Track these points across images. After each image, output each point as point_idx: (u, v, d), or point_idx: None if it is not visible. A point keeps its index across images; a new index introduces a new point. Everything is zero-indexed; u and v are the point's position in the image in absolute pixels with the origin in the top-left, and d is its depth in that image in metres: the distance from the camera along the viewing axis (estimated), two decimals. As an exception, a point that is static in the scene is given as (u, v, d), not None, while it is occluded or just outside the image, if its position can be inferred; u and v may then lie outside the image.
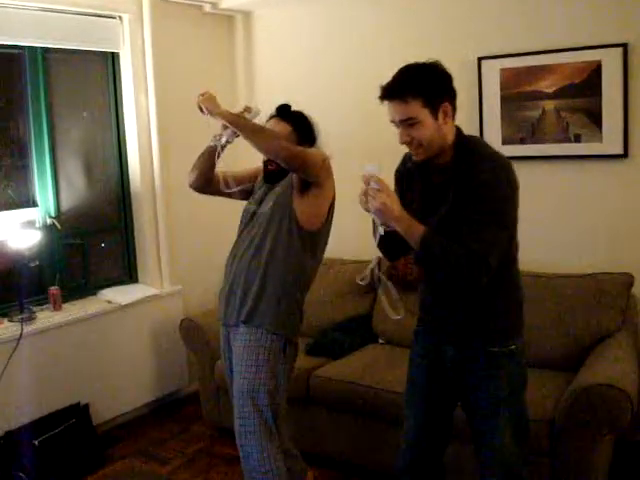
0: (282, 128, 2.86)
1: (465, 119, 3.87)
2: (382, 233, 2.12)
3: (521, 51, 3.71)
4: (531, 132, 3.75)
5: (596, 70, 3.50)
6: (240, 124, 2.74)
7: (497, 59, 3.78)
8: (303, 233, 2.80)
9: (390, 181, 2.26)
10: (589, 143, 3.60)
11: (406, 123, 2.11)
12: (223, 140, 2.85)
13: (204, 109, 2.76)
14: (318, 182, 2.78)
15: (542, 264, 3.66)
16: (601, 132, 3.55)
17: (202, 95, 2.80)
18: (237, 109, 2.87)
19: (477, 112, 3.87)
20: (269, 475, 2.75)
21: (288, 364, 2.89)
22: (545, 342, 3.39)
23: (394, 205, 2.07)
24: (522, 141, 3.78)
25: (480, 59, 3.82)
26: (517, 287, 2.33)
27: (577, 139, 3.62)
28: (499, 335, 2.25)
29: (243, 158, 3.34)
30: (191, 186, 3.03)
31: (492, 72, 3.80)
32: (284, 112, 2.92)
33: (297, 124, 2.90)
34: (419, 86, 2.09)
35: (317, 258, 2.91)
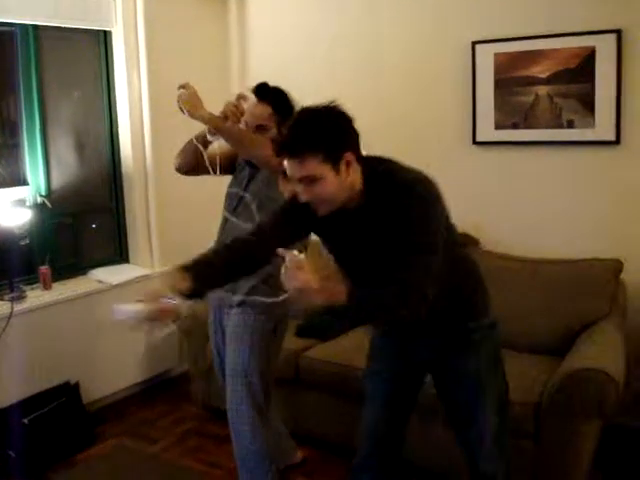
0: (262, 110, 2.79)
1: (458, 103, 3.93)
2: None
3: (515, 36, 3.70)
4: (524, 117, 3.75)
5: (590, 56, 3.50)
6: (223, 131, 2.70)
7: (491, 43, 3.77)
8: None
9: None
10: (582, 129, 3.60)
11: (306, 180, 1.96)
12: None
13: (184, 110, 2.65)
14: None
15: (531, 249, 3.68)
16: (594, 118, 3.55)
17: (182, 87, 2.68)
18: (232, 97, 2.84)
19: (470, 97, 3.87)
20: (259, 453, 2.80)
21: (278, 343, 2.92)
22: (533, 327, 3.42)
23: (313, 281, 1.86)
24: (515, 126, 3.78)
25: (474, 43, 3.81)
26: (468, 269, 2.30)
27: (570, 125, 3.63)
28: (468, 316, 2.26)
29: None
30: (178, 170, 3.00)
31: (486, 56, 3.79)
32: (263, 92, 2.82)
33: (277, 104, 2.81)
34: (316, 141, 1.92)
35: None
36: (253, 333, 2.80)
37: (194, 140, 2.86)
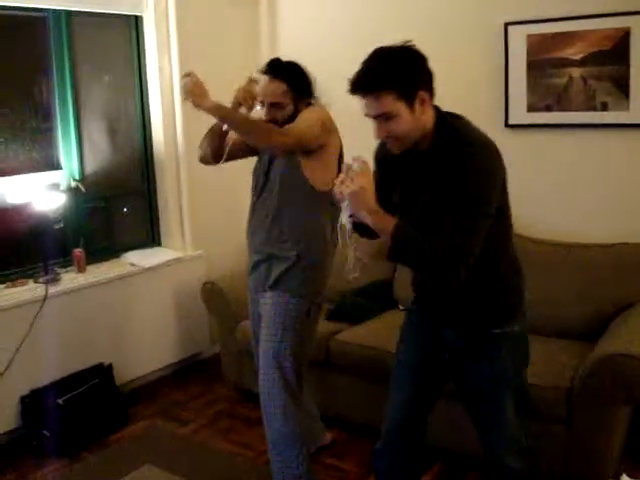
0: (276, 87, 2.75)
1: (491, 86, 3.89)
2: (349, 227, 2.02)
3: (549, 17, 3.64)
4: (557, 100, 3.70)
5: (624, 37, 3.43)
6: (231, 120, 2.67)
7: (524, 25, 3.72)
8: (317, 194, 2.80)
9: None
10: (616, 112, 3.54)
11: (381, 118, 1.99)
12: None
13: (190, 101, 2.64)
14: (324, 143, 2.76)
15: (564, 233, 3.65)
16: (628, 101, 3.49)
17: (187, 75, 2.65)
18: (243, 81, 2.83)
19: (503, 79, 3.83)
20: (291, 437, 2.81)
21: (312, 326, 2.93)
22: (565, 311, 3.40)
23: (371, 193, 1.96)
24: (548, 109, 3.74)
25: (507, 24, 3.76)
26: (514, 268, 2.24)
27: (604, 107, 3.57)
28: (501, 317, 2.19)
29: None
30: (201, 161, 3.01)
31: (519, 38, 3.74)
32: (277, 69, 2.77)
33: (292, 80, 2.77)
34: (391, 78, 1.94)
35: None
36: (286, 316, 2.81)
37: (212, 128, 2.87)
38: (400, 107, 1.96)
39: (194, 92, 2.62)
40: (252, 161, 3.03)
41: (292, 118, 2.77)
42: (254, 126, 2.69)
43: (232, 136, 2.89)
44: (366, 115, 2.03)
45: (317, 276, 2.86)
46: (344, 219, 2.02)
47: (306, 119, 2.73)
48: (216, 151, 2.92)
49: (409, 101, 1.97)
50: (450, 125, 2.06)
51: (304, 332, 2.86)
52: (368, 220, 1.98)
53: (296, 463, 2.82)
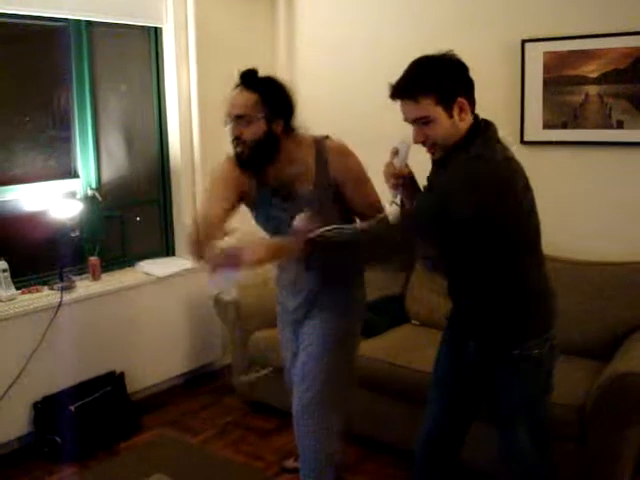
0: (245, 99, 2.41)
1: (507, 102, 3.89)
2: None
3: (566, 35, 3.65)
4: (573, 117, 3.70)
5: (641, 56, 3.45)
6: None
7: (541, 42, 3.73)
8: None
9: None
10: (632, 130, 3.54)
11: (420, 122, 2.03)
12: None
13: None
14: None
15: (578, 251, 3.64)
16: (644, 119, 3.50)
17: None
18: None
19: (519, 95, 3.83)
20: (324, 459, 2.64)
21: (353, 342, 2.79)
22: (577, 329, 3.37)
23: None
24: (564, 126, 3.74)
25: (524, 42, 3.77)
26: (537, 291, 2.20)
27: (619, 125, 3.57)
28: (519, 336, 2.15)
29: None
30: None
31: (535, 55, 3.75)
32: (249, 80, 2.46)
33: (265, 94, 2.42)
34: (430, 83, 1.99)
35: None
36: (337, 334, 2.65)
37: None
38: (438, 112, 2.01)
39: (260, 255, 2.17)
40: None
41: (267, 141, 2.44)
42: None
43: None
44: (405, 120, 2.07)
45: (357, 297, 2.78)
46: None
47: (367, 182, 2.57)
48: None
49: (447, 107, 2.01)
50: (473, 138, 2.06)
51: (347, 349, 2.74)
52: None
53: None
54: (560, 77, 3.70)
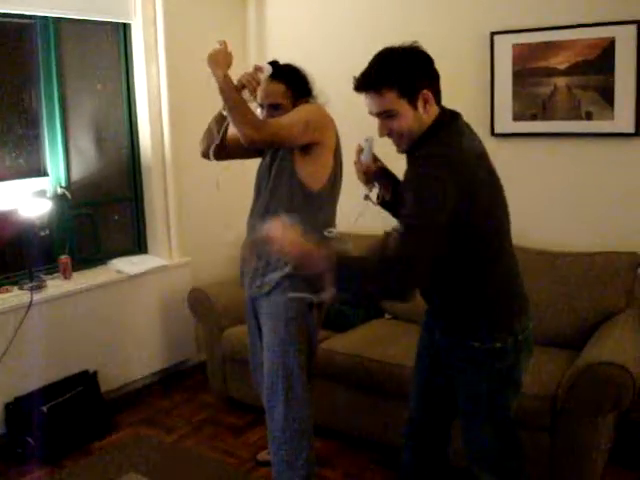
0: (275, 88, 2.81)
1: (477, 95, 3.90)
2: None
3: (534, 27, 3.67)
4: (542, 109, 3.72)
5: (609, 47, 3.46)
6: (224, 95, 2.68)
7: (510, 34, 3.74)
8: (308, 194, 2.79)
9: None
10: (600, 121, 3.57)
11: (384, 115, 2.01)
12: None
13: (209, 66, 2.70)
14: (312, 141, 2.76)
15: (549, 242, 3.67)
16: (613, 110, 3.51)
17: (220, 44, 2.73)
18: (249, 69, 2.82)
19: (489, 88, 3.85)
20: (293, 434, 2.82)
21: (315, 325, 2.94)
22: (550, 320, 3.41)
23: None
24: (533, 117, 3.76)
25: (493, 34, 3.79)
26: (506, 284, 2.18)
27: (588, 117, 3.60)
28: (482, 330, 2.12)
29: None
30: (203, 156, 3.00)
31: (504, 47, 3.76)
32: (275, 70, 2.84)
33: (290, 80, 2.84)
34: (394, 76, 1.96)
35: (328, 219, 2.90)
36: (287, 315, 2.80)
37: (214, 118, 2.89)
38: (402, 105, 1.99)
39: (217, 59, 2.68)
40: (239, 170, 3.02)
41: None
42: (241, 110, 2.66)
43: (231, 134, 2.89)
44: (369, 113, 2.06)
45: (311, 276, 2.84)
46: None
47: (290, 117, 2.75)
48: (217, 145, 2.91)
49: (411, 99, 1.99)
50: (437, 130, 2.04)
51: (308, 329, 2.90)
52: (292, 256, 2.00)
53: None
54: (529, 69, 3.72)
